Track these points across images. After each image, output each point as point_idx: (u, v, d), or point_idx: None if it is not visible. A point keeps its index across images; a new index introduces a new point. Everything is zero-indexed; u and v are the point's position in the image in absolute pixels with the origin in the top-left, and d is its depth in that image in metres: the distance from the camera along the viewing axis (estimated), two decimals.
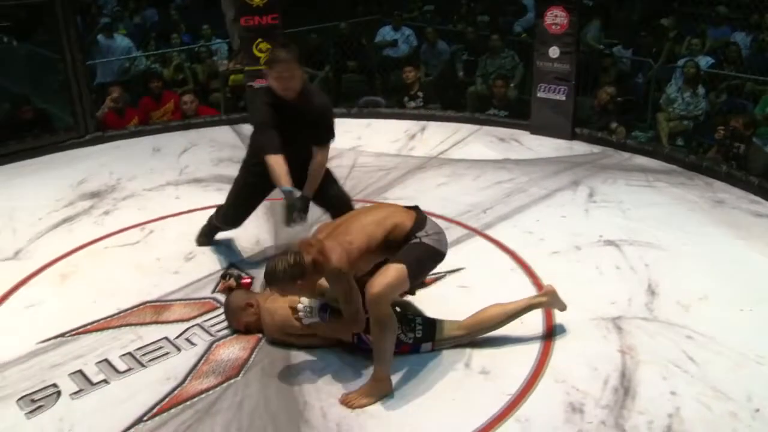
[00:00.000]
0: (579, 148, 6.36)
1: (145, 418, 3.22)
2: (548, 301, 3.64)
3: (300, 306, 3.40)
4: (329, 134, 3.96)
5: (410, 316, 3.60)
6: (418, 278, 3.39)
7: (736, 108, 6.72)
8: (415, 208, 3.47)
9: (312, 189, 3.96)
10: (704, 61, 7.48)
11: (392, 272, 3.17)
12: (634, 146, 6.27)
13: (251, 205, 4.31)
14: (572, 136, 6.49)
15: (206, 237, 4.66)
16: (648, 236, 4.65)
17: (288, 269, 3.12)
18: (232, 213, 4.35)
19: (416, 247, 3.30)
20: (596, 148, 6.31)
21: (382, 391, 3.28)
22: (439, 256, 3.40)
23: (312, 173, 3.95)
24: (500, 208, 5.14)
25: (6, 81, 8.92)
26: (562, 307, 3.68)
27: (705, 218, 4.95)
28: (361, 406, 3.24)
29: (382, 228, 3.29)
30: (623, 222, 4.88)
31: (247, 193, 4.24)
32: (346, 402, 3.26)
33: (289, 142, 3.79)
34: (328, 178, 4.13)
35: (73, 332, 3.86)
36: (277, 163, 3.70)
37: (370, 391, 3.27)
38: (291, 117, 3.82)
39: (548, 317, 3.78)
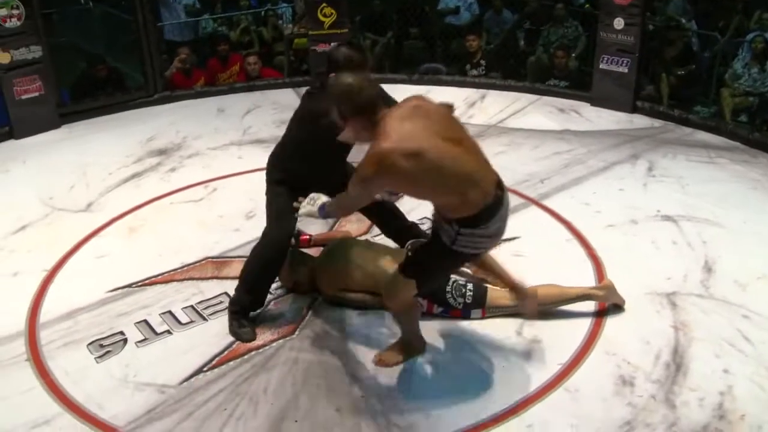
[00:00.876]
0: (639, 121, 6.17)
1: (205, 369, 3.29)
2: (605, 295, 3.54)
3: (302, 200, 3.14)
4: None
5: (461, 282, 3.56)
6: (432, 285, 3.20)
7: None
8: (499, 182, 2.79)
9: None
10: None
11: (404, 291, 2.96)
12: (696, 121, 6.05)
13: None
14: (633, 109, 6.30)
15: (245, 325, 3.54)
16: (707, 213, 4.49)
17: (347, 86, 2.66)
18: (279, 231, 3.51)
19: (444, 255, 2.83)
20: (657, 122, 6.12)
21: (411, 351, 3.29)
22: (467, 258, 3.00)
23: None
24: (557, 179, 5.04)
25: (83, 41, 9.09)
26: (621, 302, 3.57)
27: (767, 197, 4.77)
28: (391, 364, 3.24)
29: (454, 194, 2.67)
30: (682, 197, 4.73)
31: (284, 202, 3.44)
32: (379, 360, 3.26)
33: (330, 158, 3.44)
34: None
35: (140, 283, 3.95)
36: None
37: (399, 350, 3.28)
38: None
39: (600, 280, 3.71)
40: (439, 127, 2.65)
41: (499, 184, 2.78)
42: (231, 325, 3.53)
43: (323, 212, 3.07)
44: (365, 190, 2.76)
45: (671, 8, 7.77)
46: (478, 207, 2.68)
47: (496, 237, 2.84)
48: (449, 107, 3.06)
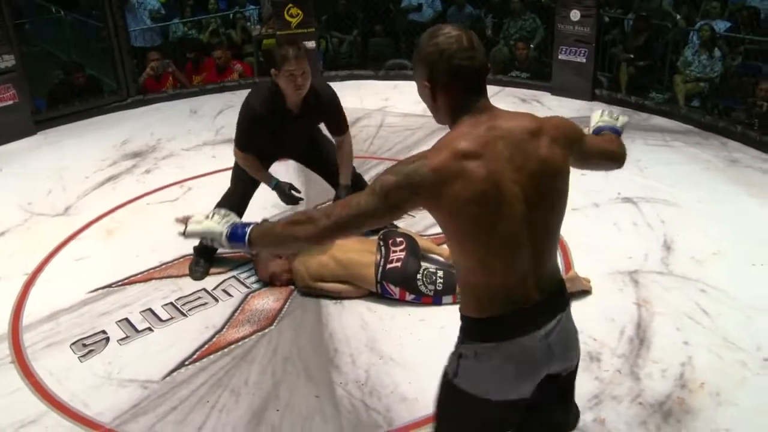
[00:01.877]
0: (598, 108, 6.22)
1: (186, 363, 3.26)
2: (570, 286, 3.49)
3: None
4: (345, 124, 3.77)
5: (432, 269, 3.58)
6: None
7: (751, 70, 6.54)
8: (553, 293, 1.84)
9: (347, 176, 3.79)
10: (722, 25, 7.25)
11: None
12: (651, 107, 6.13)
13: (246, 196, 3.93)
14: (592, 97, 6.36)
15: (202, 266, 3.96)
16: (664, 194, 4.56)
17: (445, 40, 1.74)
18: (232, 191, 3.96)
19: (448, 402, 1.92)
20: (615, 109, 6.16)
21: None
22: (481, 413, 1.85)
23: (345, 161, 3.79)
24: None
25: (55, 49, 8.94)
26: (587, 287, 3.56)
27: (719, 176, 4.84)
28: None
29: (481, 253, 1.76)
30: (641, 180, 4.78)
31: (243, 187, 3.90)
32: None
33: (288, 149, 3.85)
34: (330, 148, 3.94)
35: (119, 283, 3.91)
36: (253, 164, 3.72)
37: None
38: (291, 124, 3.61)
39: (567, 270, 3.74)
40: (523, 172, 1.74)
41: (552, 298, 1.83)
42: (190, 262, 3.97)
43: (239, 241, 1.95)
44: (379, 204, 1.74)
45: (667, 2, 7.82)
46: (497, 302, 1.78)
47: (519, 382, 1.81)
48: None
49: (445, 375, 1.89)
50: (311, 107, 3.59)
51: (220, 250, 3.98)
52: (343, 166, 3.80)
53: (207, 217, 2.06)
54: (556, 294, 1.86)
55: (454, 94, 1.78)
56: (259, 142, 3.65)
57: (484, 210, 1.70)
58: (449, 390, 1.88)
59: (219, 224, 2.02)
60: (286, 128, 3.62)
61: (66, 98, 6.55)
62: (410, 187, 1.70)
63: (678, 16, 7.48)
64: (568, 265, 3.86)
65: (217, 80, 7.22)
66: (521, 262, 1.76)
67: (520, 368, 1.79)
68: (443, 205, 1.72)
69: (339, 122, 3.75)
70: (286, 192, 3.82)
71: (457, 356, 1.86)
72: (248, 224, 1.97)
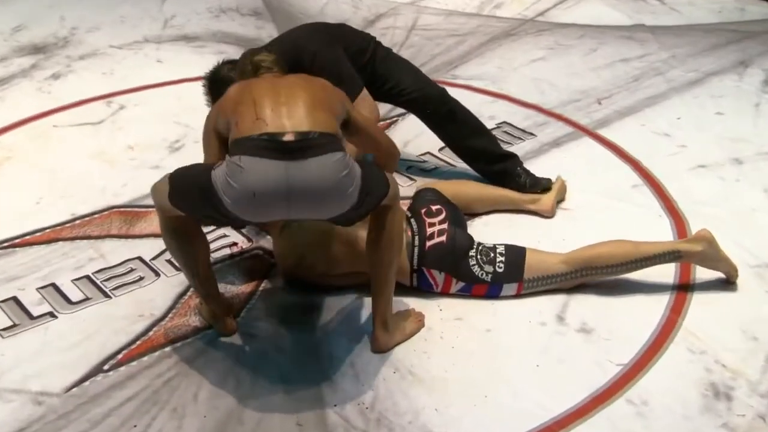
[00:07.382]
0: (754, 9, 6.14)
1: (106, 368, 3.27)
2: (702, 251, 3.48)
3: None
4: (355, 89, 3.97)
5: (488, 245, 3.57)
6: None
7: None
8: None
9: None
10: None
11: None
12: None
13: None
14: None
15: None
16: None
17: None
18: None
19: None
20: None
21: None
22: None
23: None
24: (623, 98, 5.04)
25: None
26: (731, 271, 3.56)
27: None
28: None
29: None
30: None
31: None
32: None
33: None
34: None
35: (8, 243, 3.94)
36: None
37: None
38: None
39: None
40: None
41: None
42: None
43: None
44: None
45: None
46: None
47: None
48: None
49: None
50: None
51: None
52: None
53: None
54: None
55: None
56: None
57: None
58: None
59: None
60: None
61: None
62: None
63: None
64: (679, 218, 4.01)
65: None
66: None
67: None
68: None
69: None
70: None
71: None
72: None
